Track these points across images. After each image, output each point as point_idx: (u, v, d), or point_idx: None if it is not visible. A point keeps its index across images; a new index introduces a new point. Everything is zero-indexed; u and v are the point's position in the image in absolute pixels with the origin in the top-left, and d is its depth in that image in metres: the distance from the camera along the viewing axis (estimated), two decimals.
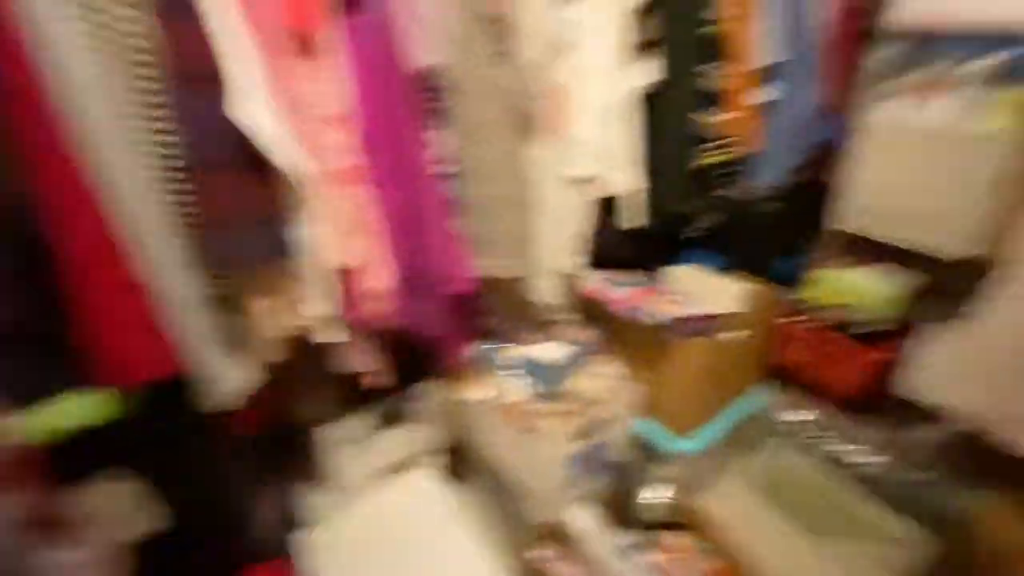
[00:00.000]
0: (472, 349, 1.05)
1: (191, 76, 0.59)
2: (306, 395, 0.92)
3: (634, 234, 1.30)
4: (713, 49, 0.95)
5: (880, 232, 1.02)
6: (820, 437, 1.18)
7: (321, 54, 0.68)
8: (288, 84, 0.66)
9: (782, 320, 1.19)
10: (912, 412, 1.09)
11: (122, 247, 0.58)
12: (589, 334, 1.16)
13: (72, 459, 0.63)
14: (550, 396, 1.02)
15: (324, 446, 1.04)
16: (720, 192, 1.19)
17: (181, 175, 0.61)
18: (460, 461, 1.32)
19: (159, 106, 0.58)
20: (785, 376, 1.25)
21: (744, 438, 1.32)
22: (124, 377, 0.60)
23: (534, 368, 1.01)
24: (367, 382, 0.93)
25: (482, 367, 1.05)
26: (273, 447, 0.95)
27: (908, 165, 0.94)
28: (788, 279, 1.25)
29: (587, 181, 0.98)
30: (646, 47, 0.91)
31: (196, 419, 0.70)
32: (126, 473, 0.69)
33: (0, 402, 0.58)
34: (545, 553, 1.02)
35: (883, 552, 1.06)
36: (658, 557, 1.03)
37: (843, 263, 1.22)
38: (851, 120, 1.00)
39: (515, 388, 1.02)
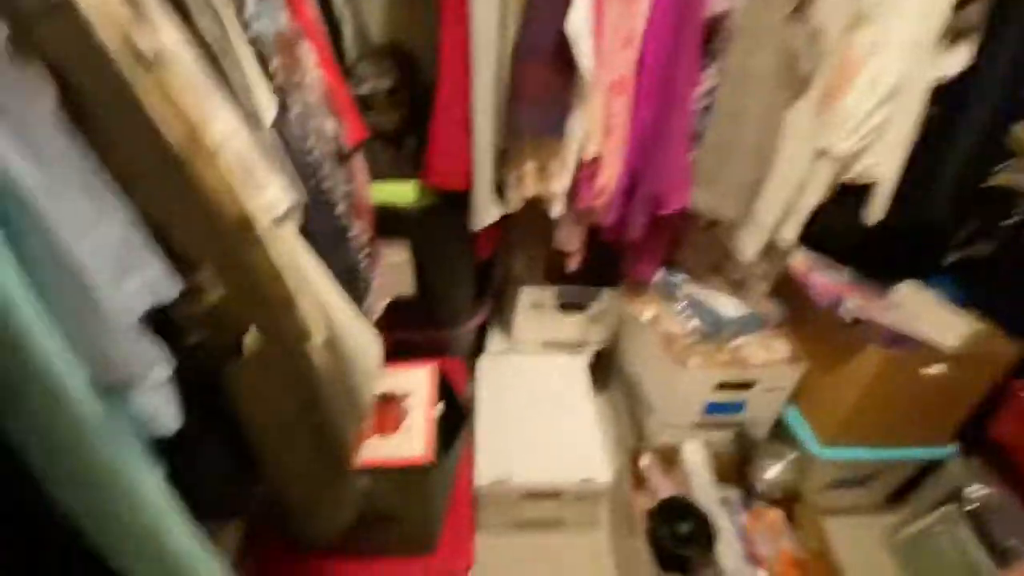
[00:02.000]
0: (658, 272, 1.19)
1: None
2: (521, 253, 1.19)
3: (877, 235, 1.23)
4: None
5: None
6: (993, 520, 1.03)
7: None
8: (605, 6, 0.84)
9: (1017, 386, 1.03)
10: None
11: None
12: (773, 307, 1.18)
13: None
14: (711, 341, 1.11)
15: (518, 300, 1.32)
16: (1002, 221, 1.04)
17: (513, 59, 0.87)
18: (610, 363, 1.51)
19: None
20: (983, 440, 1.10)
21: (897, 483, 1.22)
22: (435, 176, 0.92)
23: (706, 312, 1.10)
24: (570, 262, 1.15)
25: (660, 292, 1.18)
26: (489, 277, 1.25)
27: None
28: None
29: (841, 158, 0.98)
30: (961, 35, 0.84)
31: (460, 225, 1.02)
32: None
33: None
34: (653, 466, 1.17)
35: None
36: (746, 520, 1.10)
37: None
38: None
39: (681, 322, 1.14)
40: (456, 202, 0.98)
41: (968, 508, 1.10)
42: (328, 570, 0.90)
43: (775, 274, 1.25)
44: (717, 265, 1.21)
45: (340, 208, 0.80)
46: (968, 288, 1.14)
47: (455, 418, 0.93)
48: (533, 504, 1.14)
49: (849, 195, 1.06)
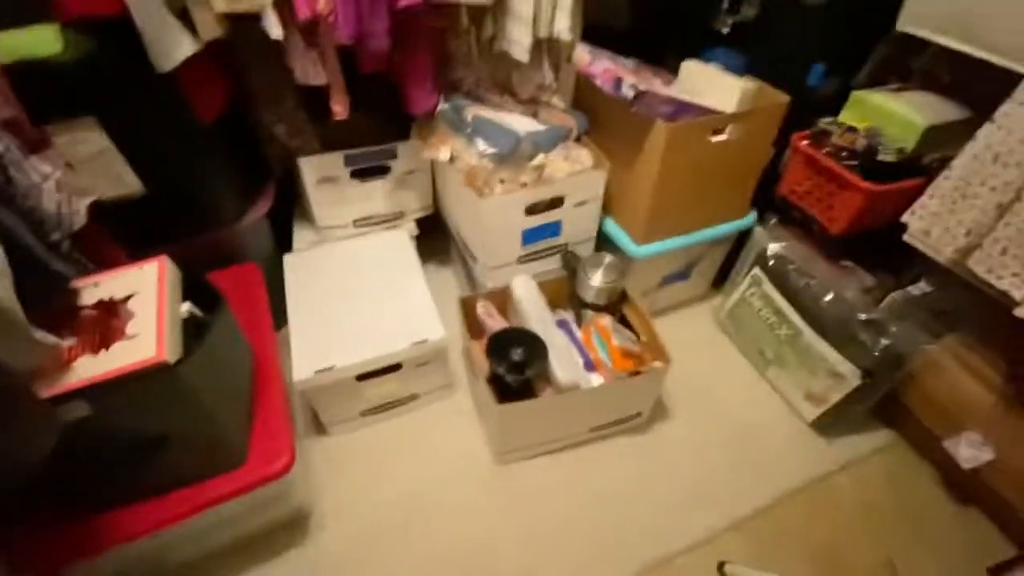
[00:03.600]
0: (439, 101, 1.04)
1: None
2: (270, 103, 0.98)
3: (647, 16, 1.17)
4: None
5: (959, 37, 0.85)
6: (793, 271, 1.13)
7: None
8: None
9: (795, 138, 1.08)
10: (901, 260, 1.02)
11: None
12: (574, 119, 1.11)
13: (38, 98, 0.73)
14: (511, 166, 1.02)
15: (303, 177, 1.12)
16: None
17: None
18: (435, 221, 1.41)
19: None
20: (776, 197, 1.18)
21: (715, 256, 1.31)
22: (63, 9, 0.66)
23: (497, 131, 1.00)
24: (335, 107, 0.96)
25: (449, 124, 1.05)
26: (233, 144, 1.03)
27: None
28: (819, 96, 1.11)
29: None
30: None
31: (154, 80, 0.77)
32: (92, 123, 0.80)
33: None
34: (487, 310, 1.12)
35: (822, 385, 1.08)
36: (582, 333, 1.10)
37: (891, 87, 1.06)
38: None
39: (477, 152, 1.03)
40: (129, 43, 0.73)
41: (769, 265, 1.19)
42: (118, 521, 0.74)
43: (569, 86, 1.17)
44: (504, 85, 1.09)
45: None
46: (744, 55, 1.15)
47: (212, 307, 0.77)
48: (375, 387, 1.05)
49: None
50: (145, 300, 0.69)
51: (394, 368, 1.04)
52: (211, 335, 0.70)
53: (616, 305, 1.11)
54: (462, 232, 1.18)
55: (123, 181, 0.88)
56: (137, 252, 0.93)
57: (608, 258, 1.08)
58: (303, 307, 1.07)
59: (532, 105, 1.12)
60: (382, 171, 1.20)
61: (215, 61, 0.88)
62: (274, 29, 0.79)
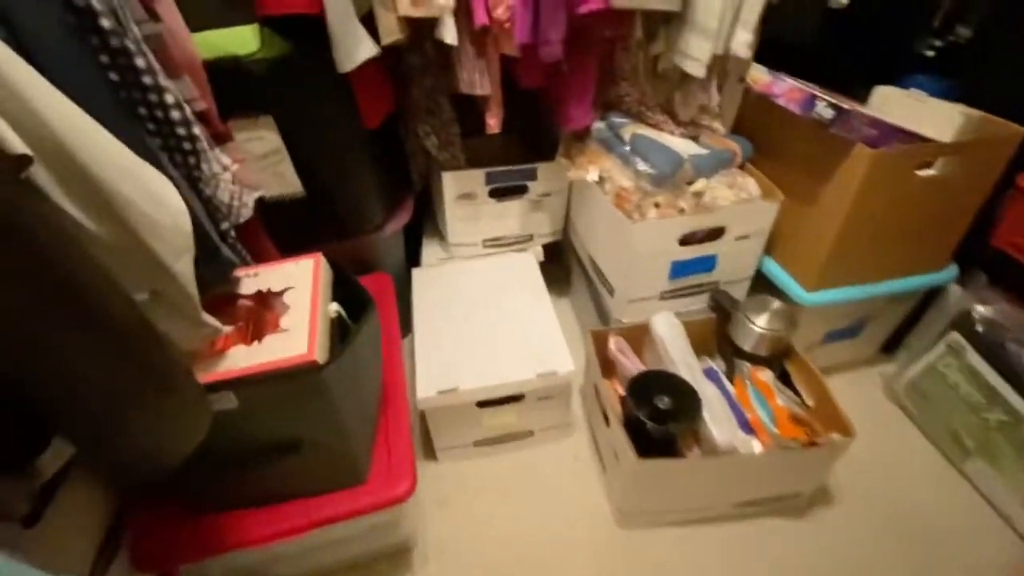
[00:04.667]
0: (596, 118, 0.98)
1: None
2: (427, 114, 0.97)
3: (838, 35, 1.04)
4: None
5: None
6: (1013, 342, 0.90)
7: None
8: None
9: (1018, 174, 0.88)
10: None
11: None
12: (737, 144, 0.99)
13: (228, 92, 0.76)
14: (669, 189, 0.93)
15: (443, 191, 1.10)
16: None
17: None
18: (567, 256, 1.33)
19: None
20: (984, 252, 0.96)
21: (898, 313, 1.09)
22: (263, 5, 0.68)
23: (658, 151, 0.91)
24: (490, 120, 0.93)
25: (603, 143, 0.98)
26: (384, 154, 1.03)
27: None
28: None
29: None
30: None
31: (333, 83, 0.79)
32: (270, 122, 0.82)
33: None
34: (622, 348, 1.01)
35: None
36: (735, 388, 0.95)
37: None
38: None
39: (633, 172, 0.95)
40: (317, 45, 0.75)
41: (976, 331, 0.97)
42: (236, 525, 0.71)
43: (734, 109, 1.06)
44: (665, 106, 1.01)
45: (139, 61, 0.56)
46: (951, 81, 0.98)
47: (360, 311, 0.73)
48: (493, 416, 0.97)
49: None
50: (300, 295, 0.67)
51: (516, 399, 0.96)
52: (357, 340, 0.66)
53: (778, 359, 0.95)
54: (598, 260, 1.09)
55: (286, 180, 0.90)
56: (286, 251, 0.95)
57: (776, 303, 0.93)
58: (429, 324, 1.03)
59: (692, 128, 1.02)
60: (519, 191, 1.15)
61: (385, 68, 0.89)
62: (450, 35, 0.77)
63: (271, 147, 0.86)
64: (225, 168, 0.77)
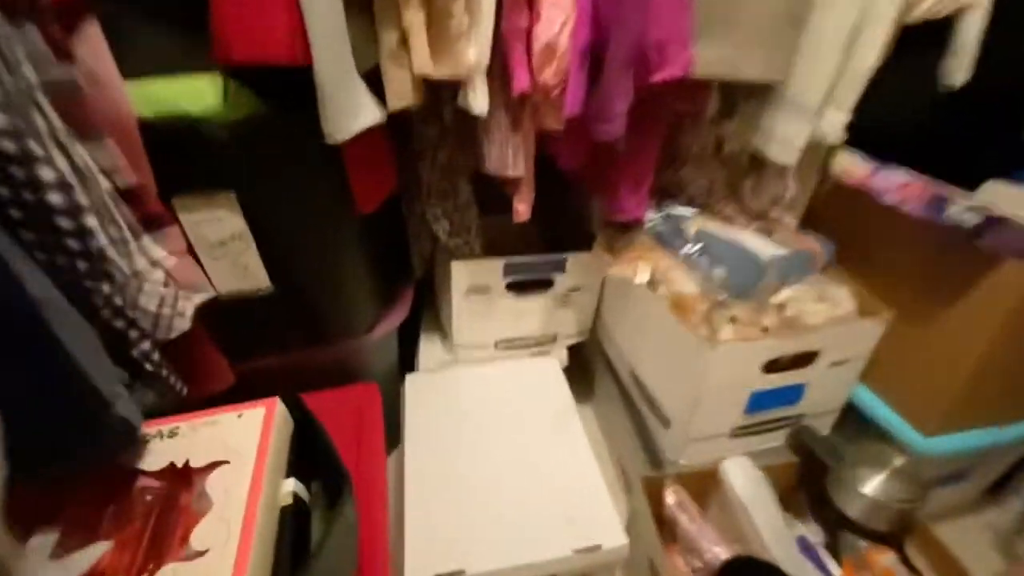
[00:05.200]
0: (649, 208, 0.78)
1: None
2: (439, 196, 0.76)
3: (948, 115, 0.88)
4: None
5: None
6: None
7: None
8: None
9: None
10: None
11: None
12: (811, 240, 0.80)
13: (173, 163, 0.55)
14: (747, 301, 0.72)
15: (452, 284, 0.89)
16: None
17: None
18: (591, 361, 1.10)
19: None
20: None
21: None
22: (228, 51, 0.48)
23: (735, 254, 0.71)
24: (518, 207, 0.73)
25: (658, 237, 0.78)
26: (380, 239, 0.81)
27: None
28: None
29: None
30: None
31: (318, 154, 0.58)
32: (231, 200, 0.61)
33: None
34: (683, 505, 0.76)
35: None
36: (842, 572, 0.70)
37: None
38: None
39: (698, 278, 0.74)
40: (299, 105, 0.55)
41: None
42: None
43: (806, 199, 0.88)
44: (731, 196, 0.82)
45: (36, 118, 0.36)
46: None
47: (333, 491, 0.48)
48: None
49: (907, 55, 0.71)
50: (235, 475, 0.42)
51: None
52: (324, 555, 0.41)
53: (901, 535, 0.71)
54: (648, 382, 0.86)
55: (250, 274, 0.68)
56: (238, 359, 0.71)
57: (897, 458, 0.70)
58: (424, 461, 0.78)
59: (763, 222, 0.83)
60: (544, 285, 0.94)
61: (389, 139, 0.69)
62: (479, 102, 0.58)
63: (231, 231, 0.65)
64: (155, 263, 0.55)
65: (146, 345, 0.53)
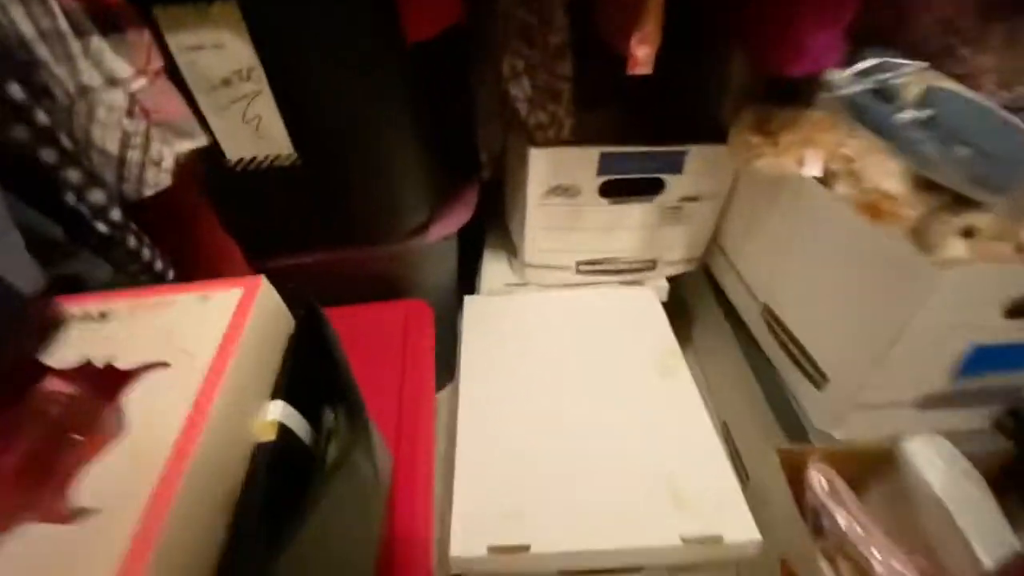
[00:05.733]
0: (825, 63, 0.51)
1: None
2: (521, 38, 0.54)
3: None
4: None
5: None
6: None
7: None
8: None
9: None
10: None
11: None
12: None
13: None
14: (988, 201, 0.46)
15: (527, 178, 0.68)
16: None
17: None
18: (698, 295, 0.87)
19: None
20: None
21: None
22: None
23: (984, 131, 0.44)
24: (637, 55, 0.50)
25: (847, 107, 0.52)
26: (436, 105, 0.60)
27: None
28: None
29: None
30: None
31: None
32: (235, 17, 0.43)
33: None
34: (834, 481, 0.54)
35: None
36: None
37: None
38: None
39: (906, 167, 0.48)
40: None
41: None
42: None
43: None
44: (977, 49, 0.54)
45: None
46: None
47: (350, 422, 0.31)
48: None
49: None
50: (174, 387, 0.26)
51: (631, 571, 0.51)
52: (321, 509, 0.24)
53: None
54: (797, 323, 0.62)
55: (265, 133, 0.51)
56: (256, 258, 0.56)
57: None
58: (484, 404, 0.61)
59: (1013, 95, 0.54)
60: (649, 189, 0.71)
61: None
62: None
63: (237, 66, 0.47)
64: (113, 82, 0.38)
65: (98, 196, 0.36)
